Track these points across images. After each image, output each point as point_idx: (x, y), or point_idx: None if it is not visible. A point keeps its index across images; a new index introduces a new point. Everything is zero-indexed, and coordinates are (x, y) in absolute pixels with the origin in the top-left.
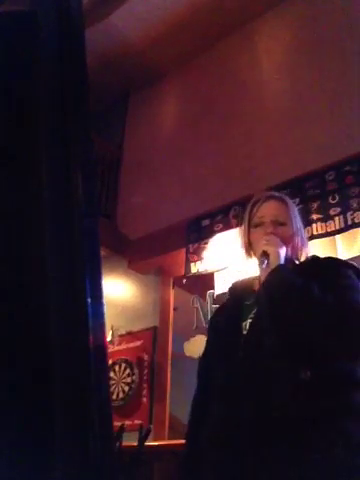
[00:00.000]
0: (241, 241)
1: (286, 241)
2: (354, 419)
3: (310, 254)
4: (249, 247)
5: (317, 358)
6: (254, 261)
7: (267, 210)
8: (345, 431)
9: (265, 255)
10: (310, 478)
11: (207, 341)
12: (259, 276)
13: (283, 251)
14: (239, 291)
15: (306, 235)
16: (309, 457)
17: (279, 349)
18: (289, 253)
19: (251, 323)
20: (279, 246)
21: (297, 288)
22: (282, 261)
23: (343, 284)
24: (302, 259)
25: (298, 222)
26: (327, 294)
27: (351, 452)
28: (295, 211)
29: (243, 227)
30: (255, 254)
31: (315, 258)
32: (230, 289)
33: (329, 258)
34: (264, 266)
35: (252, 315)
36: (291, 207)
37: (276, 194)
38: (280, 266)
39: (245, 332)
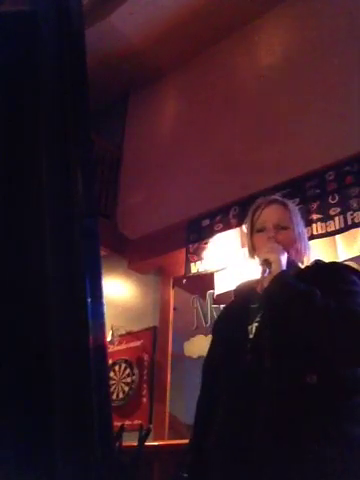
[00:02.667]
0: (245, 244)
1: (288, 245)
2: (356, 422)
3: (311, 256)
4: (253, 251)
5: (322, 362)
6: (257, 262)
7: (269, 215)
8: (347, 433)
9: (267, 263)
10: (312, 479)
11: (212, 342)
12: (262, 281)
13: (285, 258)
14: (244, 293)
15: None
16: (311, 458)
17: (285, 353)
18: (293, 257)
19: (257, 327)
20: (281, 253)
21: (299, 294)
22: (284, 267)
23: (347, 289)
24: (306, 263)
25: (300, 226)
26: (330, 300)
27: (353, 454)
28: (297, 215)
29: (246, 231)
30: (258, 258)
31: (319, 262)
32: (235, 291)
33: (333, 263)
34: (266, 274)
35: (258, 319)
36: (293, 211)
37: (278, 198)
38: (281, 273)
39: (251, 336)
